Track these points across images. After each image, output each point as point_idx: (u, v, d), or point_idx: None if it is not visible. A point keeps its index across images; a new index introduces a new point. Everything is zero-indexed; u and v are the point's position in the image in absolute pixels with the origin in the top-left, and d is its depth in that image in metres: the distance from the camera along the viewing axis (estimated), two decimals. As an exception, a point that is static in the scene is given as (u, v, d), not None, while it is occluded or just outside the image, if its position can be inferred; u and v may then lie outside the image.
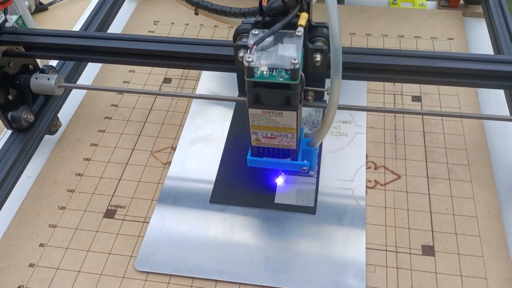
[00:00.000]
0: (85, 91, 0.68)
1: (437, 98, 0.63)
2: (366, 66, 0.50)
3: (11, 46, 0.55)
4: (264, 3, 0.42)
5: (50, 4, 0.89)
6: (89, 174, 0.58)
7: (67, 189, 0.56)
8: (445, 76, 0.50)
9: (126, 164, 0.59)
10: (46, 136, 0.61)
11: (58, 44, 0.55)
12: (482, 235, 0.50)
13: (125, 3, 0.77)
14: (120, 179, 0.57)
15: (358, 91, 0.64)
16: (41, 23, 0.88)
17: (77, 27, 0.79)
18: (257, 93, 0.41)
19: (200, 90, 0.66)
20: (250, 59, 0.39)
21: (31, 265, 0.50)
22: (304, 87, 0.44)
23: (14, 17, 0.68)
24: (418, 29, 0.74)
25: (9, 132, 0.57)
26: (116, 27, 0.75)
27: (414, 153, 0.57)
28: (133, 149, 0.60)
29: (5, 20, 0.55)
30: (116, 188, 0.56)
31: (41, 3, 0.89)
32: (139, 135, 0.62)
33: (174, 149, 0.60)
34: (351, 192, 0.54)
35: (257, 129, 0.45)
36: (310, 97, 0.46)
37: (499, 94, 0.61)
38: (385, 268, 0.48)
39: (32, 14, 0.88)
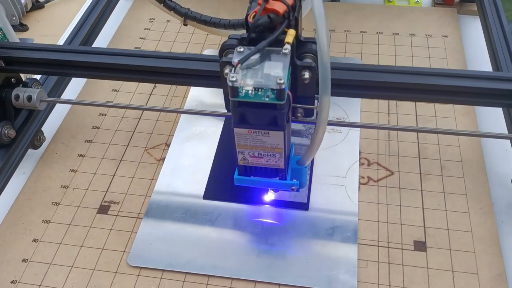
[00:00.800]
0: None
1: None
2: (357, 83, 0.48)
3: None
4: (250, 19, 0.40)
5: (47, 2, 0.89)
6: (83, 170, 0.58)
7: (61, 185, 0.57)
8: (441, 94, 0.48)
9: (120, 160, 0.59)
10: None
11: (40, 58, 0.53)
12: (474, 231, 0.50)
13: (120, 0, 0.78)
14: (114, 175, 0.57)
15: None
16: (38, 20, 0.88)
17: (72, 25, 0.79)
18: (242, 112, 0.40)
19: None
20: (234, 79, 0.37)
21: (24, 260, 0.50)
22: (291, 105, 0.42)
23: None
24: (413, 27, 0.74)
25: None
26: (111, 24, 0.75)
27: (407, 149, 0.58)
28: (128, 145, 0.61)
29: None
30: (110, 184, 0.56)
31: (37, 1, 0.89)
32: (134, 131, 0.62)
33: (168, 145, 0.60)
34: (344, 188, 0.54)
35: (244, 149, 0.43)
36: (299, 114, 0.44)
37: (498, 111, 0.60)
38: (377, 263, 0.48)
39: (28, 11, 0.88)
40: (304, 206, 0.53)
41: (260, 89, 0.38)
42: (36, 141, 0.59)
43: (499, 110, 0.58)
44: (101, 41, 0.73)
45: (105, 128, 0.63)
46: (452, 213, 0.51)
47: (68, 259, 0.50)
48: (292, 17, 0.40)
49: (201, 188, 0.55)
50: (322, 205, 0.53)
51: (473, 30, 0.74)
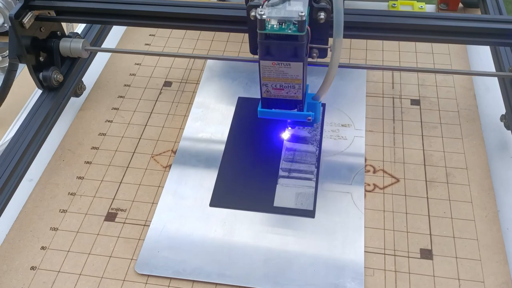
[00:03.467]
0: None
1: (436, 102, 0.64)
2: (365, 25, 0.54)
3: (43, 11, 0.59)
4: None
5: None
6: (90, 177, 0.58)
7: (68, 192, 0.57)
8: (437, 34, 0.55)
9: (127, 167, 0.59)
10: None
11: (85, 8, 0.59)
12: (479, 239, 0.50)
13: None
14: (121, 182, 0.58)
15: (358, 94, 0.65)
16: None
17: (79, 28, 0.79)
18: (268, 45, 0.46)
19: (200, 93, 0.67)
20: (262, 13, 0.44)
21: (32, 268, 0.50)
22: (309, 40, 0.48)
23: None
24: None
25: (39, 92, 0.61)
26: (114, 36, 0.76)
27: (413, 156, 0.58)
28: (134, 152, 0.61)
29: None
30: (117, 191, 0.57)
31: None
32: (140, 138, 0.62)
33: (174, 152, 0.60)
34: (350, 196, 0.54)
35: (267, 81, 0.49)
36: (314, 54, 0.50)
37: (497, 96, 0.61)
38: (384, 271, 0.48)
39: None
40: (310, 213, 0.53)
41: (283, 23, 0.45)
42: (78, 90, 0.66)
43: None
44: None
45: (112, 134, 0.63)
46: (458, 221, 0.52)
47: (76, 266, 0.50)
48: None
49: (207, 195, 0.55)
50: (328, 212, 0.53)
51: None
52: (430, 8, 0.81)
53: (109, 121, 0.65)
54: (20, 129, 0.57)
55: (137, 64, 0.72)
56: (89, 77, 0.69)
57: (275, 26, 0.45)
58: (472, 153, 0.58)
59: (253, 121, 0.63)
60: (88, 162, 0.60)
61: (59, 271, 0.50)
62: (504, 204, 0.53)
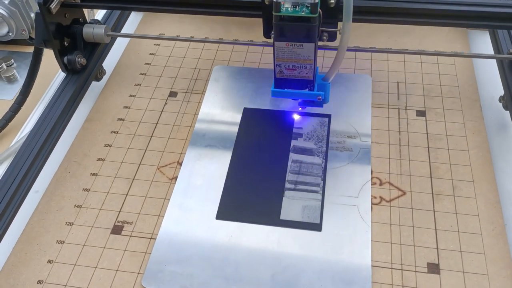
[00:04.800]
0: (124, 48, 0.77)
1: (441, 113, 0.64)
2: (374, 9, 0.58)
3: None
4: None
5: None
6: (96, 189, 0.58)
7: (75, 205, 0.57)
8: (439, 18, 0.58)
9: (133, 179, 0.59)
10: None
11: None
12: (487, 253, 0.50)
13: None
14: (127, 195, 0.58)
15: (363, 105, 0.65)
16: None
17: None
18: (282, 27, 0.50)
19: (206, 103, 0.67)
20: None
21: (39, 281, 0.50)
22: (321, 22, 0.52)
23: None
24: (422, 43, 0.74)
25: (61, 77, 0.66)
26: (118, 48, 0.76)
27: (419, 169, 0.58)
28: (140, 164, 0.61)
29: None
30: (123, 203, 0.57)
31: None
32: (146, 149, 0.62)
33: (180, 164, 0.60)
34: (357, 209, 0.54)
35: (281, 61, 0.53)
36: (324, 37, 0.55)
37: (501, 110, 0.61)
38: (391, 286, 0.48)
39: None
40: (317, 227, 0.53)
41: (297, 6, 0.49)
42: (98, 74, 0.70)
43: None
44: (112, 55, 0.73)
45: (117, 146, 0.63)
46: (465, 235, 0.52)
47: (82, 280, 0.50)
48: None
49: (214, 208, 0.55)
50: (334, 226, 0.53)
51: (482, 44, 0.75)
52: None
53: (114, 132, 0.65)
54: (45, 112, 0.61)
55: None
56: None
57: (289, 8, 0.49)
58: (478, 166, 0.58)
59: (259, 132, 0.63)
60: (94, 174, 0.60)
61: (66, 285, 0.50)
62: (511, 218, 0.53)
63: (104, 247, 0.53)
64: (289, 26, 0.50)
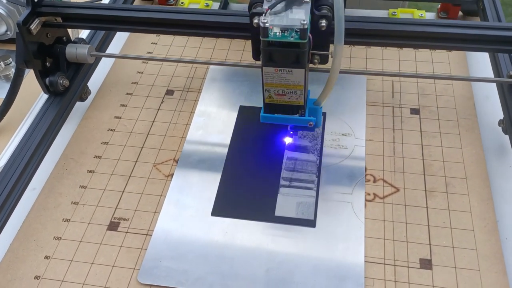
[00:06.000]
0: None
1: (435, 111, 0.64)
2: (366, 32, 0.55)
3: (50, 18, 0.60)
4: None
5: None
6: (93, 186, 0.59)
7: (71, 201, 0.57)
8: (437, 41, 0.56)
9: (129, 176, 0.60)
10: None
11: (91, 14, 0.61)
12: (479, 249, 0.51)
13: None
14: (123, 191, 0.58)
15: (358, 104, 0.65)
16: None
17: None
18: (270, 52, 0.47)
19: (202, 101, 0.68)
20: (265, 21, 0.45)
21: (36, 277, 0.51)
22: (311, 47, 0.49)
23: None
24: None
25: (45, 97, 0.63)
26: (118, 38, 0.76)
27: (412, 166, 0.58)
28: (136, 161, 0.61)
29: None
30: (119, 200, 0.57)
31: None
32: (142, 147, 0.63)
33: (176, 161, 0.61)
34: (351, 205, 0.55)
35: (270, 87, 0.50)
36: (316, 61, 0.52)
37: (497, 105, 0.62)
38: (384, 281, 0.49)
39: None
40: (311, 223, 0.53)
41: (286, 31, 0.46)
42: (83, 94, 0.67)
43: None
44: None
45: (114, 143, 0.63)
46: (457, 231, 0.52)
47: (79, 276, 0.51)
48: None
49: (209, 205, 0.56)
50: (329, 222, 0.53)
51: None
52: (430, 16, 0.82)
53: (111, 129, 0.65)
54: (27, 134, 0.58)
55: (139, 72, 0.73)
56: (94, 82, 0.70)
57: (277, 33, 0.46)
58: (471, 163, 0.58)
59: (254, 130, 0.63)
60: (91, 171, 0.60)
61: (62, 280, 0.50)
62: (503, 214, 0.54)
63: (101, 243, 0.53)
64: (277, 52, 0.47)
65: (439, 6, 0.81)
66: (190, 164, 0.60)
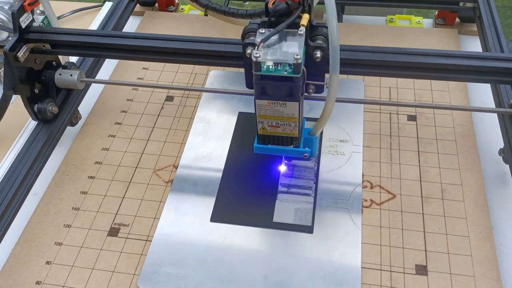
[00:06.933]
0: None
1: (432, 118, 0.65)
2: (362, 62, 0.54)
3: (38, 44, 0.59)
4: (270, 5, 0.47)
5: (58, 18, 0.91)
6: (94, 192, 0.60)
7: (72, 207, 0.58)
8: (436, 72, 0.54)
9: (130, 182, 0.61)
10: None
11: (80, 42, 0.59)
12: (474, 255, 0.51)
13: (129, 20, 0.80)
14: (123, 197, 0.59)
15: (355, 110, 0.66)
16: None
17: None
18: (263, 85, 0.46)
19: (201, 108, 0.68)
20: (257, 55, 0.43)
21: (38, 282, 0.52)
22: (305, 80, 0.48)
23: (40, 17, 0.77)
24: (415, 48, 0.75)
25: (34, 123, 0.61)
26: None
27: (409, 172, 0.59)
28: (136, 167, 0.62)
29: (33, 20, 0.59)
30: (119, 206, 0.58)
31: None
32: (142, 153, 0.64)
33: (176, 167, 0.62)
34: (348, 211, 0.56)
35: (263, 119, 0.49)
36: (311, 90, 0.50)
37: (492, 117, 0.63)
38: (380, 287, 0.50)
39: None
40: (309, 229, 0.54)
41: (279, 64, 0.44)
42: (73, 119, 0.66)
43: (498, 129, 0.60)
44: (105, 70, 0.75)
45: (114, 149, 0.64)
46: (453, 237, 0.53)
47: (80, 281, 0.52)
48: (306, 3, 0.46)
49: (208, 211, 0.57)
50: (326, 228, 0.54)
51: (473, 50, 0.76)
52: (427, 22, 0.83)
53: (112, 135, 0.66)
54: (15, 163, 0.56)
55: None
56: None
57: (270, 67, 0.44)
58: (467, 170, 0.59)
59: (253, 136, 0.64)
60: (91, 177, 0.61)
61: (63, 286, 0.51)
62: (498, 221, 0.55)
63: (101, 249, 0.54)
64: (271, 85, 0.46)
65: (437, 12, 0.81)
66: (189, 170, 0.61)
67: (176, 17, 0.86)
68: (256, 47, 0.44)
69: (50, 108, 0.60)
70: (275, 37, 0.45)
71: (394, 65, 0.54)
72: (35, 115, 0.60)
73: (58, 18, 0.91)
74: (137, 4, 0.86)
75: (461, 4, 0.75)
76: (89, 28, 0.84)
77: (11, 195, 0.54)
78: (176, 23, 0.83)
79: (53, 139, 0.61)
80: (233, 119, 0.66)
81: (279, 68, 0.44)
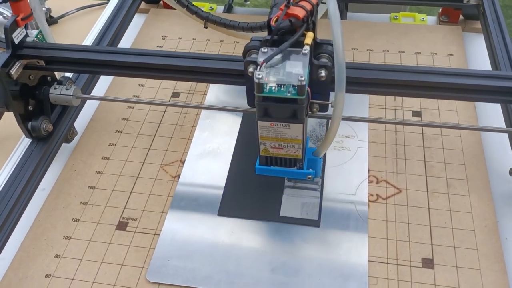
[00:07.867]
0: (98, 103, 0.71)
1: (437, 114, 0.66)
2: (368, 80, 0.52)
3: (32, 60, 0.57)
4: (273, 23, 0.44)
5: (61, 17, 0.91)
6: (102, 187, 0.60)
7: (81, 202, 0.59)
8: (444, 91, 0.52)
9: (137, 177, 0.61)
10: (62, 147, 0.63)
11: (75, 58, 0.57)
12: (479, 248, 0.52)
13: (134, 18, 0.80)
14: (131, 192, 0.59)
15: (360, 106, 0.67)
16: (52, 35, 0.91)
17: (87, 41, 0.81)
18: (266, 107, 0.44)
19: (207, 103, 0.69)
20: (260, 76, 0.42)
21: (47, 275, 0.52)
22: (309, 100, 0.46)
23: (35, 32, 0.74)
24: (419, 45, 0.76)
25: (29, 141, 0.59)
26: (125, 42, 0.77)
27: (414, 167, 0.60)
28: (144, 162, 0.63)
29: (26, 35, 0.57)
30: (127, 200, 0.59)
31: (51, 17, 0.92)
32: (149, 148, 0.64)
33: (183, 162, 0.62)
34: (354, 206, 0.56)
35: (266, 140, 0.47)
36: (315, 109, 0.49)
37: (497, 110, 0.63)
38: (387, 280, 0.50)
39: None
40: (316, 223, 0.55)
41: (282, 85, 0.42)
42: (69, 136, 0.64)
43: (502, 121, 0.61)
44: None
45: (121, 145, 0.65)
46: (458, 231, 0.53)
47: (89, 274, 0.52)
48: (310, 21, 0.44)
49: (215, 205, 0.57)
50: (332, 222, 0.55)
51: (477, 47, 0.76)
52: (431, 20, 0.83)
53: (119, 131, 0.66)
54: (9, 181, 0.55)
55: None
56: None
57: (273, 88, 0.42)
58: (472, 164, 0.59)
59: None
60: (99, 172, 0.62)
61: (73, 279, 0.52)
62: (503, 215, 0.55)
63: (110, 243, 0.55)
64: (273, 107, 0.44)
65: (440, 10, 0.82)
66: (196, 165, 0.61)
67: (181, 14, 0.86)
68: (259, 68, 0.42)
69: (44, 125, 0.58)
70: (278, 57, 0.43)
71: (401, 84, 0.52)
72: (29, 133, 0.58)
73: (63, 15, 0.92)
74: (142, 2, 0.87)
75: (465, 1, 0.76)
76: (95, 26, 0.84)
77: (20, 190, 0.54)
78: (181, 20, 0.84)
79: (48, 157, 0.59)
80: (239, 115, 0.67)
81: (282, 89, 0.42)
